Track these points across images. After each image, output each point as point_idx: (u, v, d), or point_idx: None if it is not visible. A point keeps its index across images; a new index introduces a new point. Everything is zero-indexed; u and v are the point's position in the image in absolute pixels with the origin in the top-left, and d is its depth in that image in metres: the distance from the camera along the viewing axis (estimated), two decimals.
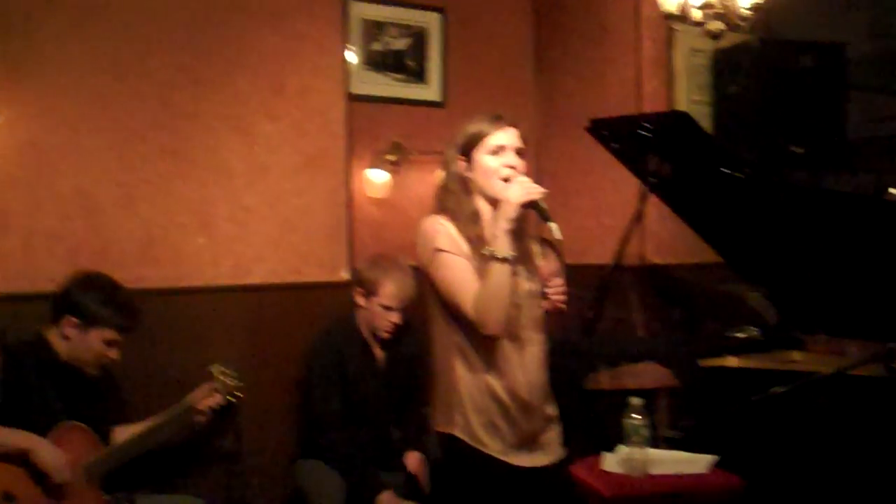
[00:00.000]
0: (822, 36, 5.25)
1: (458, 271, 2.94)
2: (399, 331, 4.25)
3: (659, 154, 4.10)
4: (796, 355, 4.18)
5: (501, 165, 2.98)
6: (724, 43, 4.94)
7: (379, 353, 4.31)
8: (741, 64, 5.11)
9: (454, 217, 3.01)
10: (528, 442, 3.08)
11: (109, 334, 3.61)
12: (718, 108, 5.28)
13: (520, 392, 3.03)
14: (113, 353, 3.65)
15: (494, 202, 2.99)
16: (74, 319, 3.57)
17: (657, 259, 5.19)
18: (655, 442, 3.86)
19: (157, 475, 4.02)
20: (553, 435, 3.18)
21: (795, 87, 5.00)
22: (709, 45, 5.12)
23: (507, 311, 2.91)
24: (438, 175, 3.19)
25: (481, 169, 3.01)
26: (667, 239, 5.18)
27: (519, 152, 3.02)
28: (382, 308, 4.16)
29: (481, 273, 2.92)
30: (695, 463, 3.73)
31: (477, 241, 2.96)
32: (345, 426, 4.17)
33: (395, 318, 4.18)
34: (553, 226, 2.88)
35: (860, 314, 4.01)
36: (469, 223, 3.00)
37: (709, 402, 4.05)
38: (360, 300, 4.24)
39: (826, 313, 4.21)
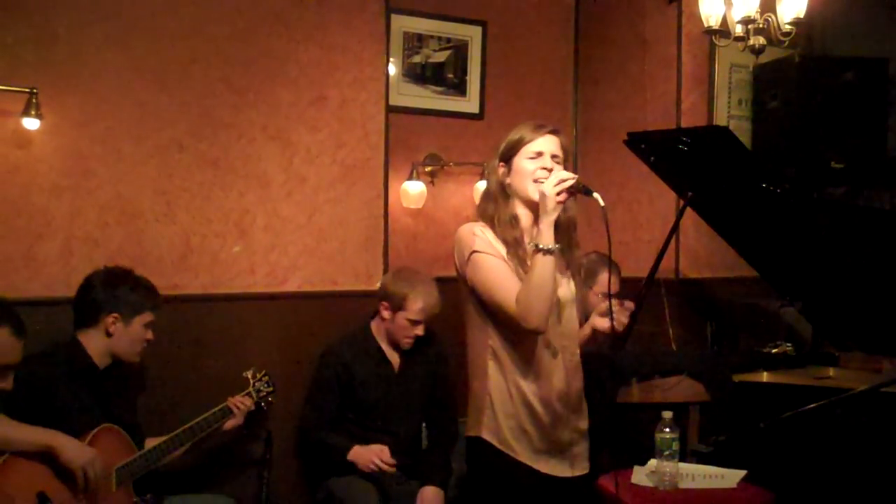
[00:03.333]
0: (863, 52, 5.20)
1: (496, 270, 2.98)
2: (419, 340, 4.31)
3: (697, 168, 4.08)
4: (830, 372, 4.15)
5: (537, 169, 3.02)
6: (765, 58, 4.92)
7: (396, 360, 4.36)
8: (782, 79, 5.08)
9: (493, 223, 3.06)
10: (557, 451, 3.10)
11: (148, 317, 3.75)
12: (758, 123, 5.27)
13: (551, 399, 3.06)
14: (150, 335, 3.78)
15: (529, 205, 3.05)
16: (116, 315, 3.66)
17: (692, 273, 5.18)
18: (686, 456, 3.84)
19: (188, 479, 4.06)
20: (581, 449, 3.20)
21: (836, 103, 4.96)
22: (749, 61, 5.11)
23: (550, 305, 2.93)
24: (481, 185, 3.24)
25: (518, 172, 3.06)
26: (702, 253, 5.16)
27: (556, 158, 3.06)
28: (409, 322, 4.22)
29: (518, 275, 2.96)
30: (725, 478, 3.70)
31: (515, 244, 3.02)
32: (337, 429, 4.25)
33: (419, 330, 4.25)
34: (597, 195, 2.94)
35: None
36: (507, 227, 3.04)
37: (741, 417, 4.02)
38: (386, 314, 4.29)
39: (861, 330, 4.18)
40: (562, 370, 3.09)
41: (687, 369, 4.34)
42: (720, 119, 5.23)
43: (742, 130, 5.20)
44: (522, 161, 3.05)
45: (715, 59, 5.21)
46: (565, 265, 3.13)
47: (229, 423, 3.95)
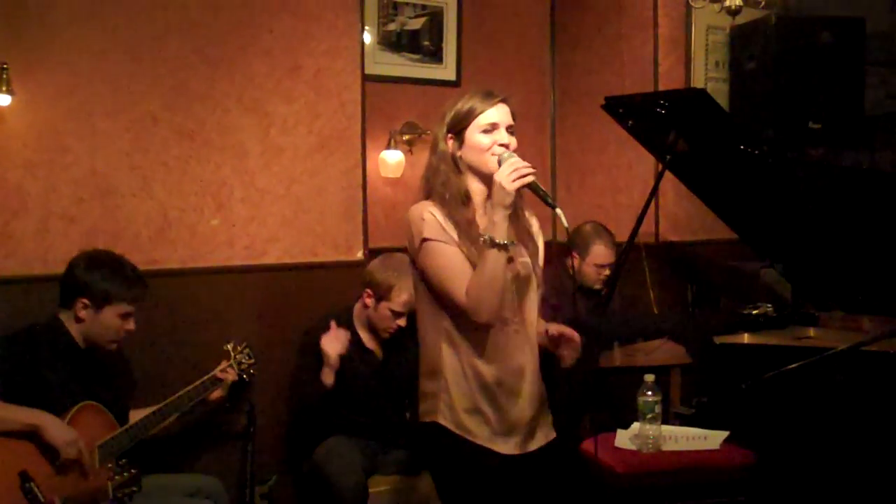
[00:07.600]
0: (840, 11, 5.20)
1: (447, 259, 2.85)
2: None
3: (675, 131, 4.08)
4: (811, 332, 4.16)
5: (494, 143, 2.87)
6: (742, 19, 4.92)
7: (376, 348, 4.32)
8: (759, 40, 5.07)
9: (441, 199, 2.91)
10: (516, 428, 2.96)
11: (123, 308, 3.66)
12: (736, 85, 5.27)
13: (507, 377, 2.93)
14: (129, 325, 3.70)
15: (486, 180, 2.91)
16: (86, 301, 3.60)
17: (672, 236, 5.19)
18: (668, 418, 3.87)
19: (170, 455, 4.06)
20: (542, 419, 3.06)
21: (814, 64, 4.97)
22: (726, 22, 5.11)
23: (501, 299, 2.83)
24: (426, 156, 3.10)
25: (473, 147, 2.90)
26: (682, 216, 5.18)
27: (510, 129, 2.92)
28: (391, 313, 4.17)
29: (470, 258, 2.84)
30: (708, 439, 3.74)
31: (466, 225, 2.88)
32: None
33: (401, 322, 4.18)
34: (559, 212, 2.81)
35: (876, 290, 4.00)
36: (459, 205, 2.90)
37: (722, 379, 4.04)
38: (369, 301, 4.22)
39: (841, 290, 4.20)
40: (518, 345, 2.97)
41: (668, 332, 4.37)
42: (698, 81, 5.24)
43: (720, 93, 5.20)
44: (476, 135, 2.89)
45: (691, 21, 5.21)
46: (516, 235, 2.96)
47: (214, 394, 3.94)
